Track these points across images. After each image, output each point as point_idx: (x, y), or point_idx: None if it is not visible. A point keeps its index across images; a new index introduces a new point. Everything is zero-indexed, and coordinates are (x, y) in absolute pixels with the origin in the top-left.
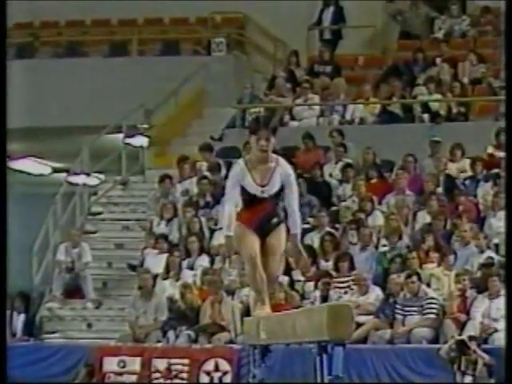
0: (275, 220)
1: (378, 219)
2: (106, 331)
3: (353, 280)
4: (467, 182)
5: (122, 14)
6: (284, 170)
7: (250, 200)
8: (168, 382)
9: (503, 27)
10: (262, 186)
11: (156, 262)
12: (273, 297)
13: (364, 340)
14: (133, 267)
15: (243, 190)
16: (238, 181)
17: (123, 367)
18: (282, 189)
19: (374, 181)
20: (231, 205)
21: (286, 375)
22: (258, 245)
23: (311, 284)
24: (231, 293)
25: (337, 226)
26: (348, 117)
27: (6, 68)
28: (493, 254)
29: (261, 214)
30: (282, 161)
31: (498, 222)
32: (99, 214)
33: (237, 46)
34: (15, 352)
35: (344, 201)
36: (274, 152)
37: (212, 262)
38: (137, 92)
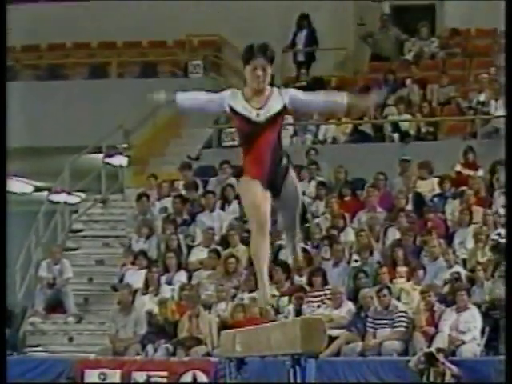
0: (284, 162)
1: (350, 235)
2: (86, 345)
3: (328, 294)
4: (436, 199)
5: (102, 37)
6: (282, 92)
7: (247, 135)
8: None
9: (471, 48)
10: (258, 109)
11: (135, 277)
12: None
13: (336, 352)
14: (115, 288)
15: (237, 116)
16: (222, 97)
17: (104, 380)
18: (280, 113)
19: (347, 198)
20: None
21: None
22: (269, 208)
23: (285, 298)
24: (208, 307)
25: (310, 242)
26: (321, 136)
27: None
28: (460, 269)
29: (265, 159)
30: (276, 88)
31: (464, 238)
32: (80, 231)
33: (213, 68)
34: None
35: (317, 217)
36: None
37: (190, 278)
38: (116, 113)
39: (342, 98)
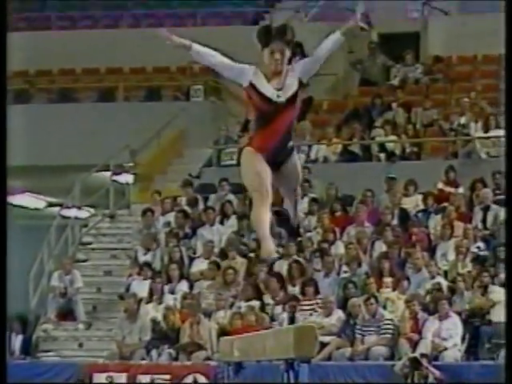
0: (290, 144)
1: (339, 248)
2: (95, 350)
3: (319, 303)
4: (419, 214)
5: (110, 64)
6: (294, 65)
7: (264, 114)
8: None
9: (453, 74)
10: (278, 90)
11: (141, 287)
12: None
13: (327, 357)
14: (122, 297)
15: (256, 94)
16: (242, 70)
17: (111, 382)
18: (297, 90)
19: (338, 214)
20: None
21: None
22: (270, 180)
23: (280, 307)
24: (208, 315)
25: (303, 254)
26: (313, 156)
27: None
28: (442, 280)
29: (276, 138)
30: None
31: (446, 251)
32: (89, 244)
33: (213, 92)
34: (13, 369)
35: (309, 232)
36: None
37: (191, 287)
38: (123, 134)
39: (336, 37)
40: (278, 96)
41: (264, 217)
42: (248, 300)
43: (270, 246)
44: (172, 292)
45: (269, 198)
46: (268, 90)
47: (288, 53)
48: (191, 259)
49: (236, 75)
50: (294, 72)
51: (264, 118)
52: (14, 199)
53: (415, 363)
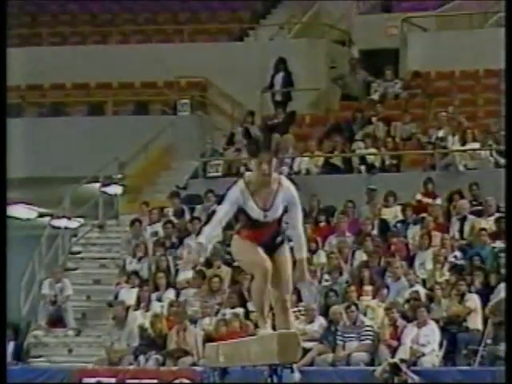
0: (279, 239)
1: (321, 257)
2: (84, 356)
3: (302, 310)
4: (399, 224)
5: (99, 79)
6: (287, 191)
7: (252, 224)
8: None
9: (431, 89)
10: (265, 211)
11: (129, 295)
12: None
13: (310, 363)
14: (111, 305)
15: (245, 215)
16: (236, 201)
17: None
18: (285, 211)
19: (322, 224)
20: (218, 222)
21: None
22: (264, 253)
23: None
24: (194, 322)
25: None
26: (295, 168)
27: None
28: (420, 288)
29: (264, 236)
30: (284, 181)
31: (424, 260)
32: (79, 253)
33: (200, 106)
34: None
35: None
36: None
37: (178, 295)
38: (112, 147)
39: (300, 254)
40: (265, 216)
41: (265, 292)
42: (233, 307)
43: (268, 329)
44: (159, 300)
45: (269, 272)
46: (255, 210)
47: (274, 161)
48: (178, 268)
49: (238, 206)
50: (285, 197)
51: (251, 226)
52: (8, 210)
53: (395, 368)
